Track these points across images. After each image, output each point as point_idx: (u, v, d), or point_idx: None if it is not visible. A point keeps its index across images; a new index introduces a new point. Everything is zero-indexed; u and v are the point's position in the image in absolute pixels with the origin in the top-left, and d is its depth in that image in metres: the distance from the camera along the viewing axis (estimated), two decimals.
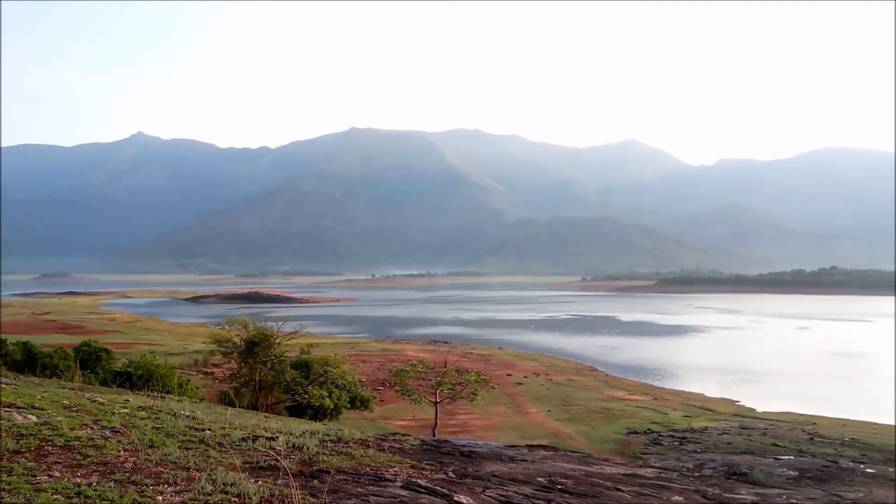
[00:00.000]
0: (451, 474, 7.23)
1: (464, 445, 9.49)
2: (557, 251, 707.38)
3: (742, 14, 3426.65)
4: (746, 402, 67.27)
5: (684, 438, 47.70)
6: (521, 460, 7.61)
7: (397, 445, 9.66)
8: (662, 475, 6.18)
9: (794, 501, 4.94)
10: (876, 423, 57.27)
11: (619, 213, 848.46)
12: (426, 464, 7.82)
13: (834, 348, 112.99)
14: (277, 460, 7.76)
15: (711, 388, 75.21)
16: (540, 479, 6.36)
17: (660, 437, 48.10)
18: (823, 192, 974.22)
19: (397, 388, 41.28)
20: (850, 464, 41.64)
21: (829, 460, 42.14)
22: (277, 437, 10.21)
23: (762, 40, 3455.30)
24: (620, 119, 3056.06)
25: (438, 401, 38.38)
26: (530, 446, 9.52)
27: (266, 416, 21.97)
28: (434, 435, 32.84)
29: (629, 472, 6.64)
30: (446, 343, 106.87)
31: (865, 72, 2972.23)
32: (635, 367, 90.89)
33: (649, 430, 50.70)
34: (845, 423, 57.20)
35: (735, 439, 47.84)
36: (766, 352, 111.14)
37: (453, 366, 42.87)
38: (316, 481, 7.21)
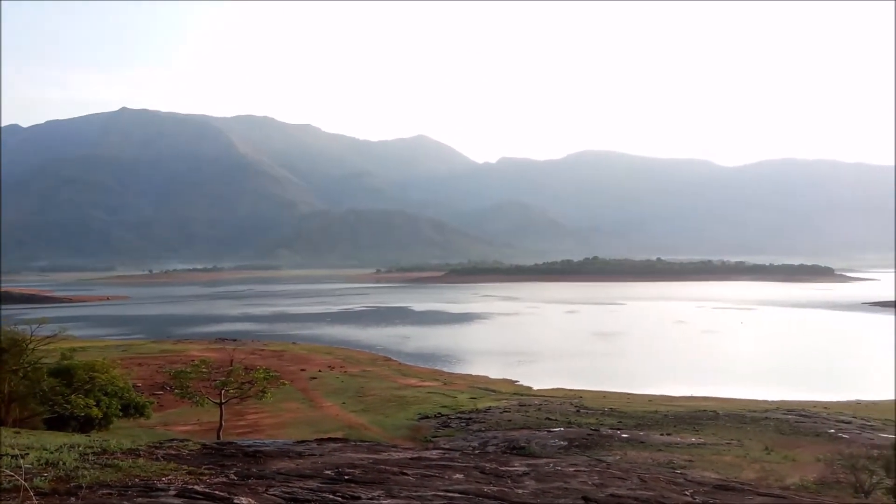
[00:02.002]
0: (233, 476, 6.81)
1: (249, 445, 8.99)
2: (352, 243, 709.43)
3: (511, 21, 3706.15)
4: (524, 381, 73.16)
5: (470, 419, 50.63)
6: (309, 455, 7.40)
7: (174, 452, 8.93)
8: (447, 455, 6.39)
9: (560, 468, 5.38)
10: (630, 394, 65.71)
11: (412, 207, 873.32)
12: (205, 468, 7.31)
13: (595, 328, 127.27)
14: (24, 480, 6.73)
15: (494, 370, 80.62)
16: (328, 471, 6.22)
17: (449, 420, 50.51)
18: (586, 190, 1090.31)
19: (177, 390, 38.41)
20: (610, 431, 47.40)
21: (592, 429, 47.58)
22: (27, 453, 8.93)
23: (533, 46, 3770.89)
24: (411, 114, 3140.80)
25: (223, 401, 36.40)
26: (320, 440, 9.32)
27: (16, 432, 19.15)
28: (219, 437, 31.12)
29: (416, 455, 6.75)
30: (235, 340, 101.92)
31: (615, 80, 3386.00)
32: (426, 355, 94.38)
33: (439, 413, 52.99)
34: (605, 394, 64.82)
35: (515, 416, 51.85)
36: (540, 334, 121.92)
37: (241, 364, 40.96)
38: (73, 499, 6.38)
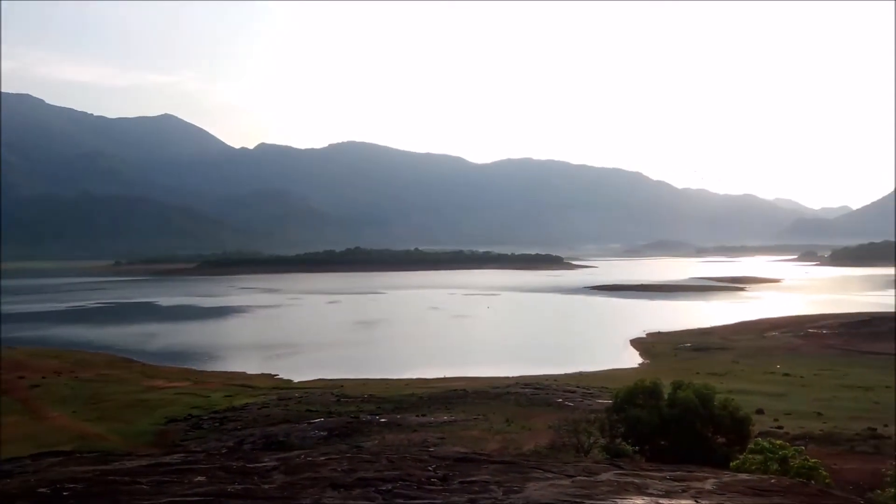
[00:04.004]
0: None
1: None
2: (86, 232, 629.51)
3: (268, 3, 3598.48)
4: (285, 375, 71.69)
5: (225, 418, 48.37)
6: (20, 473, 6.37)
7: None
8: (189, 459, 5.94)
9: (311, 459, 5.30)
10: (388, 379, 67.89)
11: (157, 192, 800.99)
12: None
13: (357, 318, 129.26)
14: None
15: (253, 365, 77.76)
16: (42, 489, 5.41)
17: (201, 421, 47.74)
18: (348, 181, 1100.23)
19: None
20: (369, 417, 48.60)
21: (351, 417, 48.37)
22: None
23: (292, 30, 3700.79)
24: (155, 91, 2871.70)
25: None
26: (36, 455, 8.08)
27: None
28: None
29: (153, 462, 6.18)
30: None
31: (375, 75, 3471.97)
32: (175, 353, 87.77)
33: (190, 415, 49.80)
34: (365, 382, 66.20)
35: (273, 411, 50.67)
36: (302, 326, 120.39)
37: None
38: None
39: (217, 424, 46.50)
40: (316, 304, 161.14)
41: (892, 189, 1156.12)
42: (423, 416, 48.52)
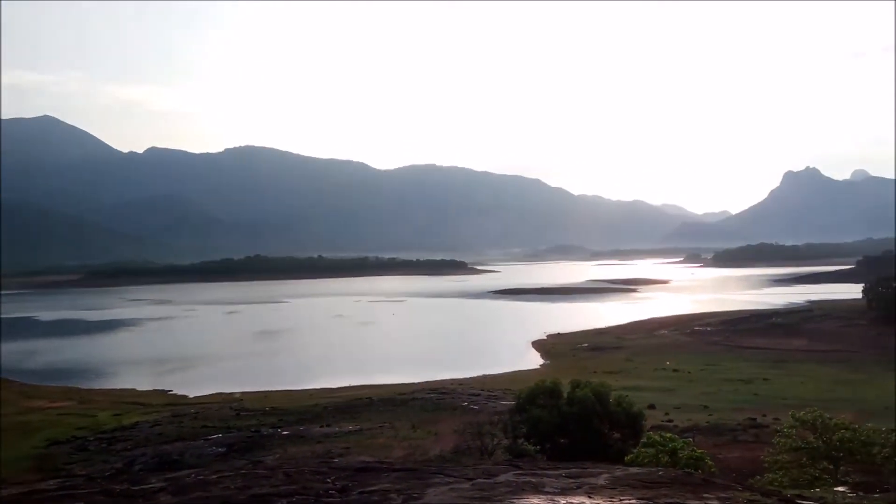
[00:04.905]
0: None
1: None
2: None
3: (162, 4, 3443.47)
4: (179, 390, 68.31)
5: (114, 438, 45.66)
6: None
7: None
8: (68, 484, 5.51)
9: (202, 477, 5.06)
10: (291, 390, 66.06)
11: (38, 199, 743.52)
12: None
13: (257, 328, 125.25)
14: None
15: (144, 382, 73.68)
16: None
17: (86, 443, 44.81)
18: (247, 186, 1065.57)
19: None
20: (271, 430, 47.16)
21: (252, 431, 46.80)
22: None
23: (186, 31, 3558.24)
24: (33, 92, 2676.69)
25: None
26: None
27: None
28: None
29: (26, 490, 5.71)
30: None
31: (275, 80, 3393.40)
32: (58, 371, 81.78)
33: (74, 437, 46.62)
34: (267, 394, 64.17)
35: (167, 429, 48.21)
36: (198, 338, 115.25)
37: None
38: None
39: (104, 445, 43.69)
40: (213, 316, 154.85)
41: (766, 196, 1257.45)
42: (328, 426, 47.68)
